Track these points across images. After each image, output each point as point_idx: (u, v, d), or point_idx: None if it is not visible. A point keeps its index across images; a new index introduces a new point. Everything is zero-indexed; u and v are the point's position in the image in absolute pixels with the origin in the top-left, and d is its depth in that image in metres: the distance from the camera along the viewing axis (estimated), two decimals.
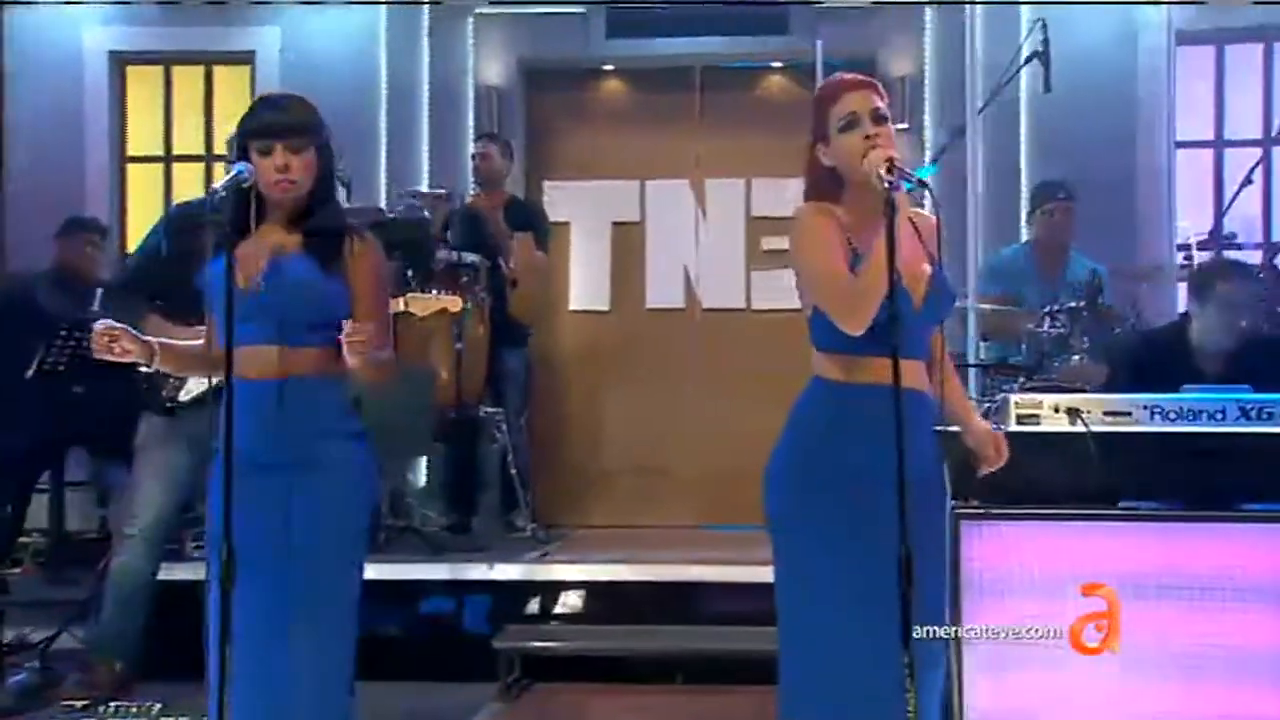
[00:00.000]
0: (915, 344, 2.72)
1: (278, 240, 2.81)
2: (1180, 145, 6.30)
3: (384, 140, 6.43)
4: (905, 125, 6.22)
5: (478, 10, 6.49)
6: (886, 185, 2.51)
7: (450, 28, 6.52)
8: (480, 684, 4.50)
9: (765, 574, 4.67)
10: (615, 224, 6.68)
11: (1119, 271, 5.41)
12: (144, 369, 4.11)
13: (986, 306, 5.23)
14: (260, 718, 2.71)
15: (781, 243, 6.57)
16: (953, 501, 3.14)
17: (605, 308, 6.69)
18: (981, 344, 5.32)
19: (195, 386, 4.23)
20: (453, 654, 4.69)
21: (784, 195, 6.53)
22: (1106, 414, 3.46)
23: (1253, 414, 3.41)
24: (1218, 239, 5.90)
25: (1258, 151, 6.19)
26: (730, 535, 6.03)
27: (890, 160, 2.55)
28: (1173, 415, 3.45)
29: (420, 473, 6.19)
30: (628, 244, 6.69)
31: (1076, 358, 4.72)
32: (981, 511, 3.38)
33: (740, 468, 6.40)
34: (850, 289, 2.64)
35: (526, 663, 4.51)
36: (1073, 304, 4.82)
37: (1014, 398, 3.55)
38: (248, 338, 2.68)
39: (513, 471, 5.60)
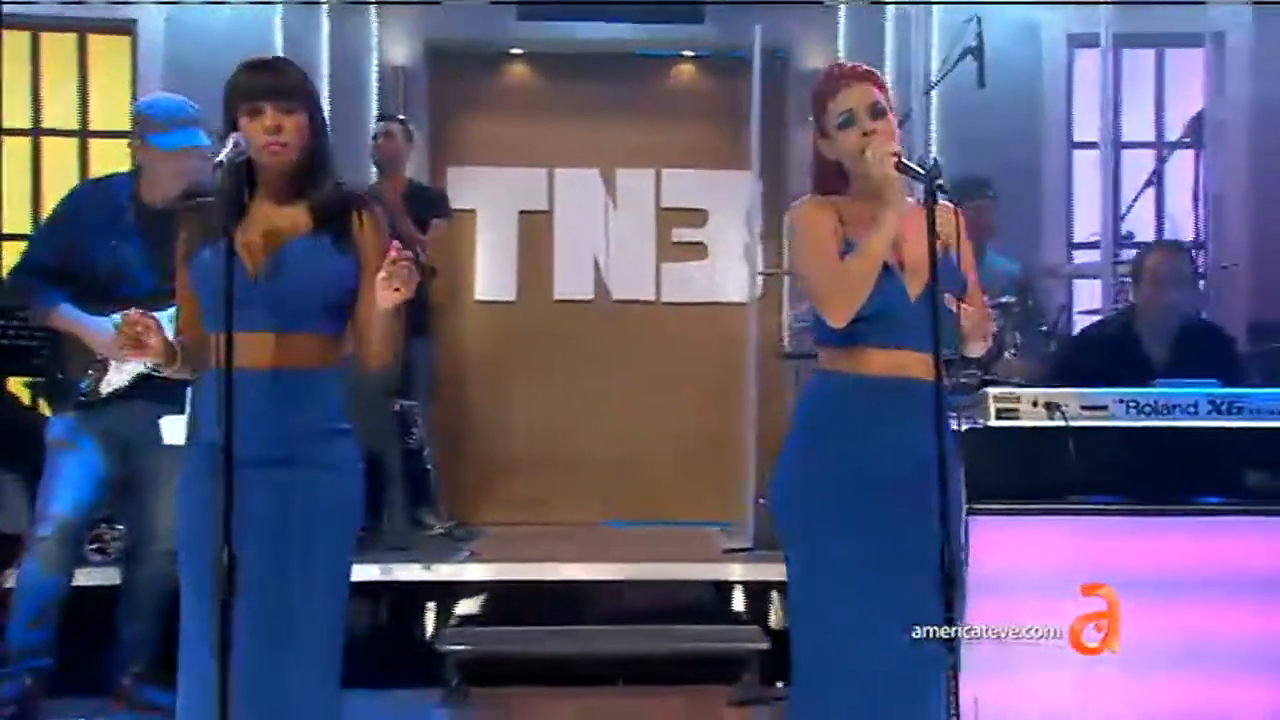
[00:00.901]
0: (919, 334, 2.64)
1: (281, 219, 2.62)
2: (1078, 146, 6.48)
3: None
4: None
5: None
6: (927, 178, 2.50)
7: (352, 5, 6.24)
8: (404, 690, 4.33)
9: (690, 571, 4.74)
10: (523, 213, 6.51)
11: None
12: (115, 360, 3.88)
13: None
14: None
15: (692, 234, 6.62)
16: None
17: (512, 298, 6.51)
18: None
19: (116, 379, 3.97)
20: (384, 658, 4.48)
21: (695, 187, 6.54)
22: (1084, 408, 3.50)
23: (1223, 408, 3.50)
24: (1116, 239, 6.08)
25: (1149, 152, 6.44)
26: (638, 531, 6.00)
27: (896, 155, 2.55)
28: (1147, 409, 3.51)
29: None
30: (535, 233, 6.52)
31: (1009, 353, 4.79)
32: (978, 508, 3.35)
33: (649, 462, 6.42)
34: (836, 277, 2.63)
35: (468, 666, 4.33)
36: (1004, 300, 4.88)
37: (992, 392, 3.56)
38: (245, 324, 2.48)
39: (428, 467, 5.39)
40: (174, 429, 4.31)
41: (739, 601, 4.68)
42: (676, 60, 6.66)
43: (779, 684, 4.39)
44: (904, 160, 2.55)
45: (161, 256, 3.92)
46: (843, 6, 6.31)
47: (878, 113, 2.67)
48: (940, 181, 2.55)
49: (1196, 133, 5.85)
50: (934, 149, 6.25)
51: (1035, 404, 3.51)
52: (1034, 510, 3.49)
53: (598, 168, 6.53)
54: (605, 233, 6.53)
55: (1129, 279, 4.32)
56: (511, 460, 6.43)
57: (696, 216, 6.54)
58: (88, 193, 4.19)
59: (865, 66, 2.78)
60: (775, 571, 4.65)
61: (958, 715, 2.42)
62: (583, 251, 6.52)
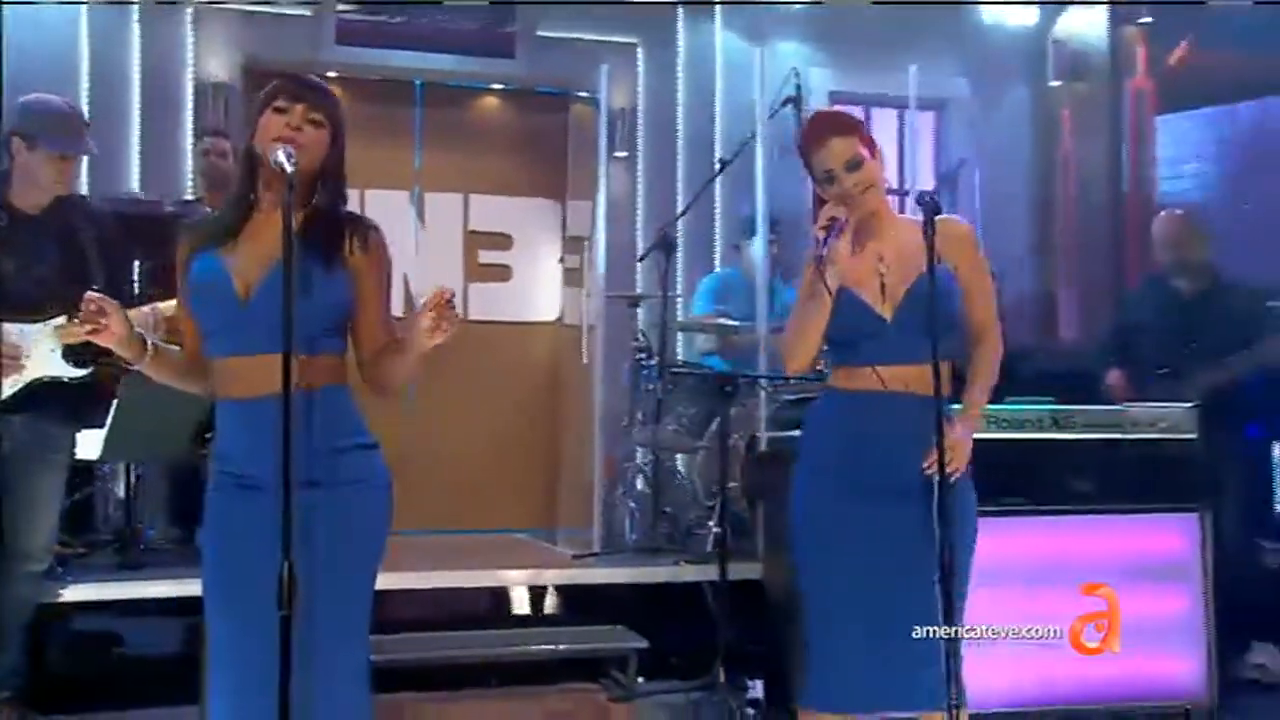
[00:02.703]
0: (899, 350, 2.90)
1: (272, 236, 2.52)
2: None
3: None
4: (625, 154, 6.72)
5: (196, 1, 6.15)
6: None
7: (165, 16, 6.11)
8: None
9: (557, 576, 4.97)
10: None
11: None
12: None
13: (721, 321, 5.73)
14: None
15: (499, 256, 6.90)
16: None
17: None
18: (709, 358, 5.87)
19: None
20: None
21: (501, 212, 6.86)
22: None
23: (1061, 422, 4.23)
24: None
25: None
26: (455, 540, 6.18)
27: (825, 230, 2.81)
28: (1004, 422, 4.17)
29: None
30: None
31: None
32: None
33: (457, 472, 6.60)
34: (788, 334, 3.01)
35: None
36: None
37: None
38: (240, 347, 2.54)
39: None
40: (89, 443, 4.20)
41: (598, 603, 5.00)
42: (485, 92, 6.95)
43: (640, 680, 4.74)
44: (818, 235, 2.81)
45: (37, 265, 3.85)
46: (640, 51, 6.81)
47: (853, 166, 2.87)
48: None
49: (946, 185, 6.74)
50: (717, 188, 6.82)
51: None
52: None
53: (408, 190, 6.73)
54: (415, 253, 6.71)
55: None
56: None
57: (502, 240, 6.86)
58: None
59: (843, 116, 2.99)
60: (625, 575, 5.04)
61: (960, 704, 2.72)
62: (393, 271, 6.62)
